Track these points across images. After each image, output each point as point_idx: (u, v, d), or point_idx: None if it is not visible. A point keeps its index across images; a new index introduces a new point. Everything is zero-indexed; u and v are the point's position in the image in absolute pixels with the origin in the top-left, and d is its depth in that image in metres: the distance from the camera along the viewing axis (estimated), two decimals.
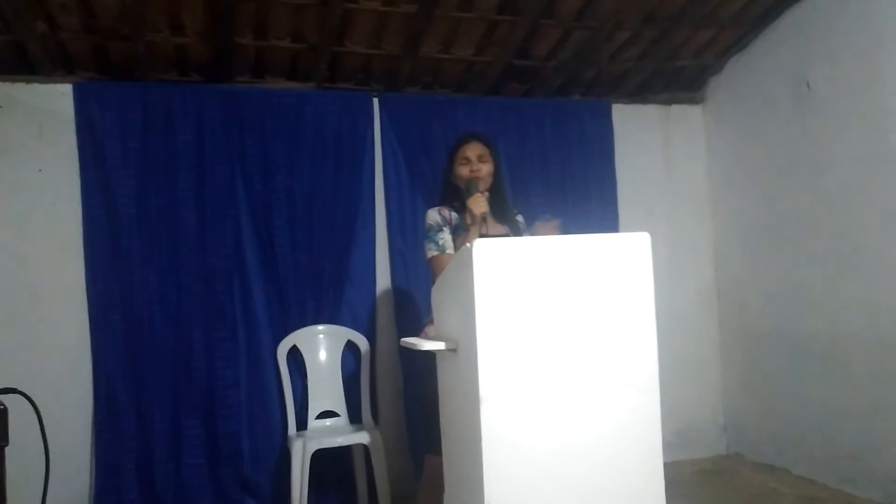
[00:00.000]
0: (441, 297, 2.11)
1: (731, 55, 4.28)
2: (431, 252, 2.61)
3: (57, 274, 3.50)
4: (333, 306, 3.76)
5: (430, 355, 2.54)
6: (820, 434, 3.74)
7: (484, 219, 2.46)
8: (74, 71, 3.59)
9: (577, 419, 1.74)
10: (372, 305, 3.88)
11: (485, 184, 2.63)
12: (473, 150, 2.68)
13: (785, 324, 3.97)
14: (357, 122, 3.89)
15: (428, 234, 2.63)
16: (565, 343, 1.74)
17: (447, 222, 2.63)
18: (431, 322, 2.59)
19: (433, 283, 2.58)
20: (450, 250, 2.56)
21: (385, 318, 3.88)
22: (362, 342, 3.71)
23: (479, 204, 2.48)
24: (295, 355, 3.63)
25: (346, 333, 3.72)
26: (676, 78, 4.46)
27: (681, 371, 4.16)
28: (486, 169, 2.66)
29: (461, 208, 2.59)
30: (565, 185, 4.20)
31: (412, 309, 3.75)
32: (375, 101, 3.96)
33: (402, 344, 2.13)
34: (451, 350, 1.90)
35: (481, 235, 2.44)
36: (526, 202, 4.13)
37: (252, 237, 3.72)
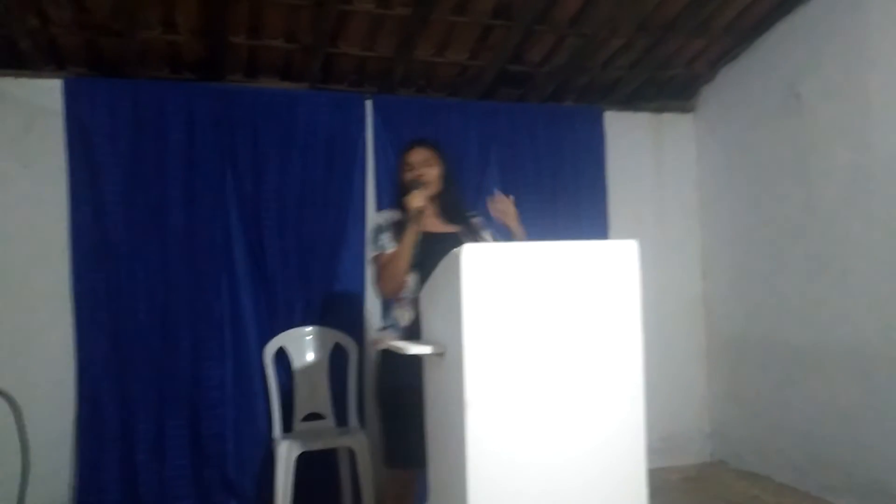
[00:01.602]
0: (429, 301, 2.11)
1: (723, 65, 4.31)
2: (373, 253, 2.66)
3: (43, 271, 3.48)
4: (322, 308, 3.75)
5: (384, 359, 2.58)
6: (803, 442, 3.76)
7: (420, 213, 2.49)
8: (65, 66, 3.58)
9: (562, 425, 1.74)
10: (360, 308, 3.87)
11: (433, 187, 2.65)
12: (417, 156, 2.68)
13: (770, 333, 3.99)
14: (349, 124, 3.89)
15: (372, 236, 2.68)
16: (552, 349, 1.74)
17: (391, 223, 2.64)
18: (384, 328, 2.61)
19: (374, 282, 2.66)
20: (389, 249, 2.58)
21: (373, 321, 3.88)
22: (350, 344, 3.70)
23: (414, 199, 2.50)
24: (282, 357, 3.62)
25: (333, 335, 3.70)
26: (668, 86, 4.48)
27: (667, 378, 4.15)
28: (431, 173, 2.66)
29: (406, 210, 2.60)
30: (556, 190, 4.20)
31: None
32: (368, 103, 3.96)
33: (389, 347, 2.13)
34: (439, 354, 1.90)
35: (424, 234, 2.50)
36: (517, 206, 4.11)
37: (241, 237, 3.71)
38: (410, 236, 2.50)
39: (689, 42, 4.06)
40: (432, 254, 2.49)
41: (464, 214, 2.77)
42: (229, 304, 3.67)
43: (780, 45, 3.90)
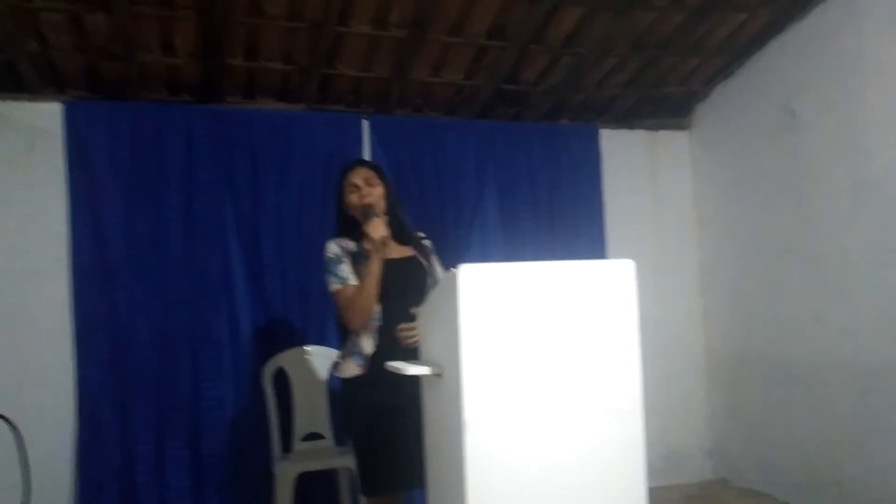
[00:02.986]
0: (427, 321, 2.12)
1: (718, 82, 4.34)
2: (334, 286, 2.51)
3: (43, 291, 3.48)
4: (320, 327, 3.75)
5: (350, 387, 2.53)
6: (805, 460, 3.75)
7: (384, 243, 2.43)
8: (65, 89, 3.60)
9: (561, 444, 1.74)
10: None
11: (379, 207, 2.57)
12: (359, 176, 2.61)
13: (770, 349, 3.99)
14: (346, 144, 3.90)
15: (328, 267, 2.53)
16: (550, 369, 1.75)
17: (346, 252, 2.55)
18: (342, 358, 2.57)
19: (339, 315, 2.54)
20: (352, 281, 2.48)
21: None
22: None
23: (377, 228, 2.43)
24: (281, 377, 3.61)
25: (333, 355, 3.68)
26: (663, 104, 4.51)
27: (667, 395, 4.17)
28: (376, 192, 2.58)
29: (360, 236, 2.51)
30: (553, 209, 4.22)
31: None
32: (365, 123, 3.98)
33: (386, 367, 2.13)
34: (437, 375, 1.90)
35: (385, 260, 2.42)
36: (514, 225, 4.15)
37: (240, 257, 3.72)
38: (377, 267, 2.41)
39: (684, 60, 4.09)
40: (394, 279, 2.46)
41: (412, 235, 2.71)
42: (228, 324, 3.67)
43: (775, 63, 3.93)
